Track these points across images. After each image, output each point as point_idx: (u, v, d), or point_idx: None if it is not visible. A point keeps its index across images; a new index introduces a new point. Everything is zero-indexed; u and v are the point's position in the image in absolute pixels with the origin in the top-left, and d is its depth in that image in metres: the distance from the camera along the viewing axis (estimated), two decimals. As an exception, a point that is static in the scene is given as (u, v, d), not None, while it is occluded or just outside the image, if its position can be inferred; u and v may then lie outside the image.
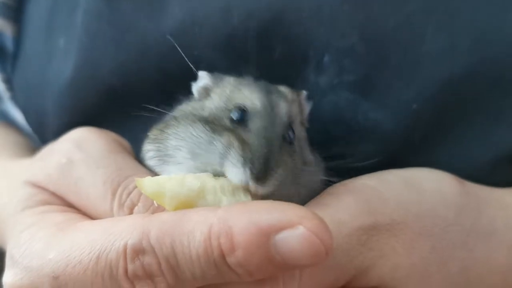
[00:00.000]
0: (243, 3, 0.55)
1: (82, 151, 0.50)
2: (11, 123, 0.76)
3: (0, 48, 0.69)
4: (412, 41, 0.54)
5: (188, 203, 0.42)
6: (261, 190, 0.43)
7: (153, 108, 0.51)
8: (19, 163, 0.64)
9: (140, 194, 0.45)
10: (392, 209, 0.46)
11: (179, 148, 0.47)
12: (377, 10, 0.54)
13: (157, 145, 0.49)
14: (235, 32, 0.55)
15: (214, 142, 0.45)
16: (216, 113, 0.49)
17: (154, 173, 0.49)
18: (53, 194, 0.49)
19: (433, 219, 0.48)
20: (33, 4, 0.68)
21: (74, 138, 0.52)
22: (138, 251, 0.39)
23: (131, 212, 0.45)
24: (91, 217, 0.47)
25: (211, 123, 0.47)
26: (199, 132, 0.47)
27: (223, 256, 0.37)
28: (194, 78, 0.54)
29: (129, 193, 0.46)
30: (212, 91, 0.52)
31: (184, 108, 0.52)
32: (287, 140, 0.48)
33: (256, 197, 0.44)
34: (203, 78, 0.53)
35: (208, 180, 0.43)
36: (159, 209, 0.44)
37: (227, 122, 0.47)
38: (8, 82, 0.71)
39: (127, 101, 0.58)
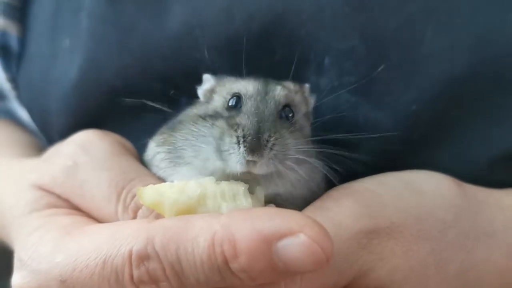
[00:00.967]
0: (244, 5, 0.56)
1: (87, 154, 0.51)
2: (17, 121, 0.77)
3: (5, 48, 0.70)
4: (412, 42, 0.54)
5: (187, 210, 0.43)
6: (259, 164, 0.44)
7: (155, 109, 0.52)
8: (24, 163, 0.64)
9: None
10: (391, 212, 0.47)
11: (184, 148, 0.48)
12: (377, 11, 0.54)
13: (166, 147, 0.50)
14: (236, 34, 0.56)
15: (212, 132, 0.46)
16: (217, 109, 0.50)
17: (159, 178, 0.50)
18: (59, 197, 0.50)
19: (432, 222, 0.48)
20: (37, 5, 0.68)
21: (79, 140, 0.53)
22: (143, 257, 0.40)
23: (135, 214, 0.46)
24: (96, 219, 0.48)
25: (211, 118, 0.48)
26: (199, 128, 0.48)
27: (226, 262, 0.38)
28: (197, 79, 0.55)
29: (133, 196, 0.46)
30: (215, 92, 0.53)
31: (190, 111, 0.53)
32: (283, 117, 0.49)
33: (256, 200, 0.45)
34: (208, 81, 0.54)
35: (209, 186, 0.44)
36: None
37: (224, 112, 0.49)
38: (14, 82, 0.71)
39: (130, 103, 0.59)
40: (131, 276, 0.40)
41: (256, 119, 0.45)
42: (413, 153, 0.56)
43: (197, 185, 0.44)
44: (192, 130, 0.48)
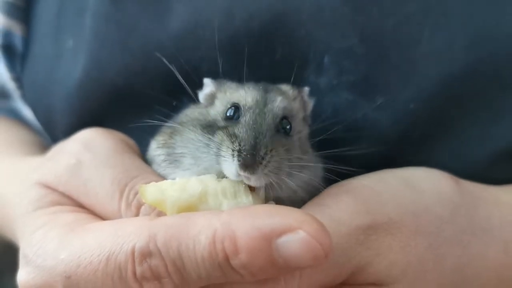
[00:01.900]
0: (244, 5, 0.57)
1: (90, 152, 0.51)
2: (21, 120, 0.78)
3: (10, 47, 0.71)
4: (410, 41, 0.55)
5: (188, 208, 0.44)
6: (253, 178, 0.45)
7: (157, 108, 0.52)
8: (28, 161, 0.65)
9: None
10: (389, 209, 0.48)
11: (184, 156, 0.50)
12: (376, 11, 0.55)
13: (166, 149, 0.52)
14: (237, 33, 0.57)
15: (210, 143, 0.47)
16: (217, 117, 0.51)
17: (160, 175, 0.51)
18: (63, 194, 0.51)
19: (429, 218, 0.49)
20: (41, 5, 0.69)
21: (83, 138, 0.53)
22: (146, 254, 0.40)
23: (138, 211, 0.47)
24: (100, 216, 0.49)
25: (210, 127, 0.49)
26: (198, 137, 0.49)
27: (227, 259, 0.39)
28: (198, 80, 0.55)
29: (136, 193, 0.47)
30: (216, 97, 0.53)
31: (191, 113, 0.54)
32: (280, 131, 0.49)
33: (257, 198, 0.46)
34: (208, 85, 0.55)
35: (210, 183, 0.45)
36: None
37: (223, 121, 0.50)
38: (18, 81, 0.72)
39: (132, 102, 0.60)
40: (134, 273, 0.41)
41: (253, 133, 0.46)
42: (411, 152, 0.56)
43: (198, 182, 0.45)
44: (192, 139, 0.49)
